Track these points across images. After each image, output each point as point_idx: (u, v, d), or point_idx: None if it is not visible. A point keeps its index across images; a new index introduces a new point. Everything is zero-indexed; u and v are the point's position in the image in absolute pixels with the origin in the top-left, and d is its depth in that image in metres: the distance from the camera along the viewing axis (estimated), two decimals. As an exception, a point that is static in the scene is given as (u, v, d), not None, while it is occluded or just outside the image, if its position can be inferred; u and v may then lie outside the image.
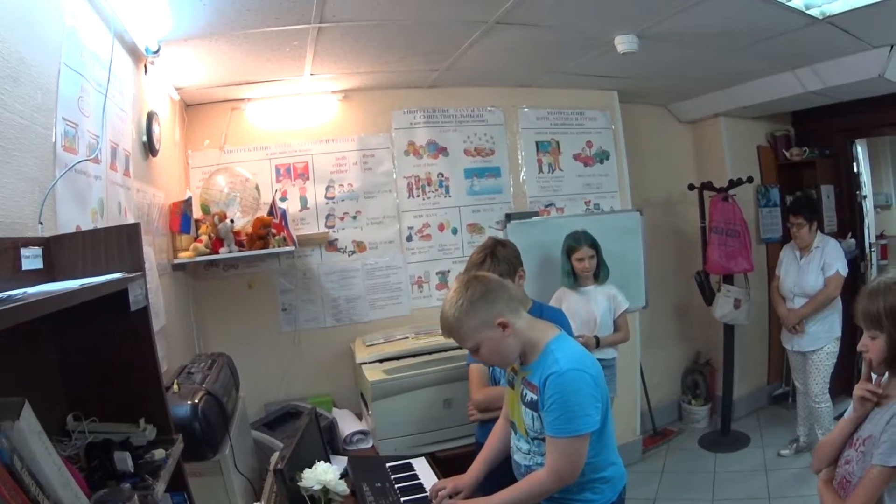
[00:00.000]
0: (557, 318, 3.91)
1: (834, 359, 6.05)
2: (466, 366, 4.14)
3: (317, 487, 2.94)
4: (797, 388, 6.43)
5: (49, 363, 2.10)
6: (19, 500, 1.26)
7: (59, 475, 1.43)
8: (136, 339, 2.15)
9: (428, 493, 3.27)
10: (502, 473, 3.15)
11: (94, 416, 2.07)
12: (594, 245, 5.07)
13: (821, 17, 4.56)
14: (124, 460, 1.90)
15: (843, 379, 7.06)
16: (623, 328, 5.16)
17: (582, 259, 5.02)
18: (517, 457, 3.02)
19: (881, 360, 2.61)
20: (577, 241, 5.07)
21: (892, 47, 5.38)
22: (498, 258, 3.92)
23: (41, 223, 2.19)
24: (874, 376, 2.71)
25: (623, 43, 4.70)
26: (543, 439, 2.82)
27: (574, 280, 5.13)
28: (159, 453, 2.05)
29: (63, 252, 2.09)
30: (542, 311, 3.92)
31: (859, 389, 2.66)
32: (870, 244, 7.95)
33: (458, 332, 2.85)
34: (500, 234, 5.83)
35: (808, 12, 4.46)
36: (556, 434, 2.71)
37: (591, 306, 5.08)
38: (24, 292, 1.49)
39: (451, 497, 3.12)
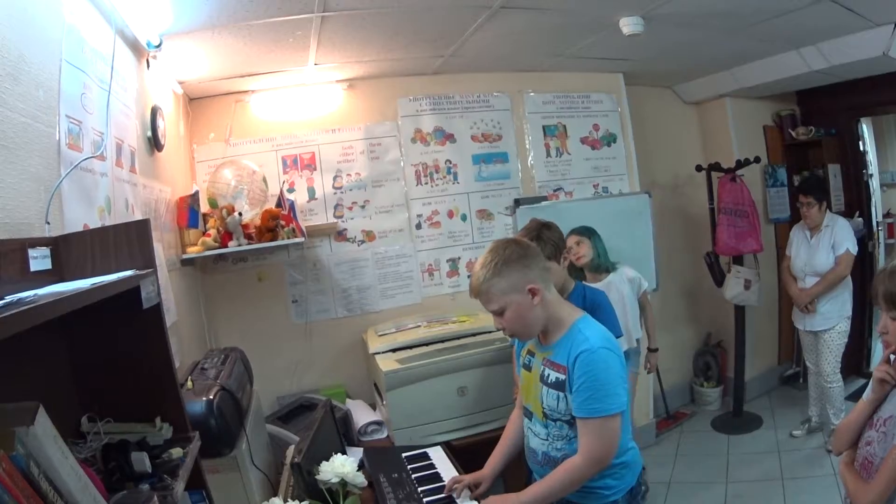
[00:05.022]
0: (601, 299, 3.93)
1: (845, 338, 6.06)
2: (510, 346, 4.23)
3: (335, 480, 2.93)
4: (809, 369, 6.44)
5: (60, 364, 2.08)
6: (37, 508, 1.24)
7: (76, 480, 1.41)
8: (150, 337, 2.13)
9: (445, 483, 3.25)
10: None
11: (108, 417, 2.05)
12: (582, 231, 5.00)
13: (824, -5, 4.53)
14: (142, 461, 1.87)
15: (854, 359, 7.09)
16: (647, 307, 5.26)
17: (570, 248, 4.77)
18: (533, 443, 2.98)
19: None
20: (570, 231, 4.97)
21: (895, 25, 5.34)
22: (544, 240, 3.83)
23: (48, 223, 2.17)
24: (892, 357, 2.67)
25: (628, 25, 4.68)
26: (567, 422, 2.78)
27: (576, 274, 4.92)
28: (177, 452, 2.03)
29: (72, 251, 2.06)
30: (585, 292, 3.93)
31: (879, 371, 2.64)
32: (877, 223, 7.95)
33: (486, 292, 2.78)
34: (509, 220, 5.83)
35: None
36: (588, 415, 2.67)
37: (614, 296, 4.85)
38: (36, 294, 1.46)
39: (470, 490, 3.13)
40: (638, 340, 5.23)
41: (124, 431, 2.03)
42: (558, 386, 2.77)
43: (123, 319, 2.04)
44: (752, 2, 4.61)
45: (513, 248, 2.82)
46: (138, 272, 1.96)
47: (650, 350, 5.49)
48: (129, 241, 2.11)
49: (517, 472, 3.19)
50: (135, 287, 1.89)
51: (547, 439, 2.88)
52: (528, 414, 3.02)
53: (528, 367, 3.03)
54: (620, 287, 4.98)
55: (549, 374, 2.83)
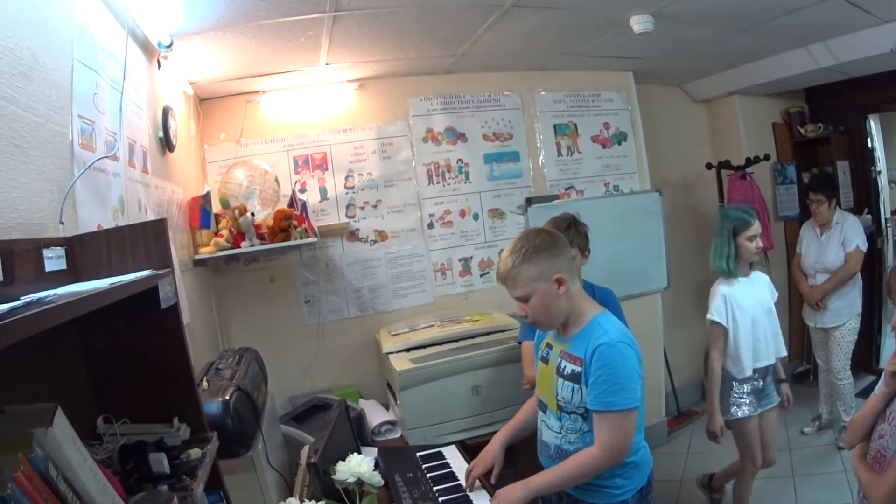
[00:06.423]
0: (610, 297, 3.97)
1: (855, 335, 6.09)
2: (518, 344, 4.26)
3: (351, 480, 2.92)
4: (819, 366, 6.45)
5: (76, 365, 2.07)
6: (57, 510, 1.23)
7: (95, 481, 1.40)
8: (167, 337, 2.12)
9: (460, 482, 3.27)
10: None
11: (124, 418, 2.04)
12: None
13: (832, -7, 4.52)
14: (160, 462, 1.86)
15: (864, 355, 7.08)
16: None
17: (754, 237, 4.45)
18: (546, 436, 3.02)
19: None
20: (749, 214, 4.51)
21: (902, 22, 5.34)
22: (578, 231, 3.94)
23: (62, 223, 2.16)
24: None
25: (639, 23, 4.68)
26: (581, 415, 2.82)
27: (736, 267, 4.51)
28: (195, 453, 2.02)
29: (87, 251, 2.06)
30: (595, 291, 3.94)
31: (891, 365, 2.67)
32: (885, 219, 7.93)
33: (513, 278, 2.83)
34: (521, 219, 5.83)
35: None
36: (604, 408, 2.69)
37: (762, 298, 4.56)
38: (55, 293, 1.45)
39: (486, 478, 3.19)
40: (768, 368, 4.57)
41: (141, 432, 2.02)
42: (574, 378, 2.81)
43: (140, 320, 2.03)
44: (763, -1, 4.60)
45: (543, 237, 2.88)
46: (156, 272, 1.95)
47: (784, 381, 4.74)
48: (146, 240, 2.10)
49: (533, 469, 3.18)
50: (152, 287, 1.88)
51: (560, 432, 2.92)
52: (543, 407, 3.06)
53: (545, 360, 3.06)
54: (760, 290, 4.60)
55: (565, 366, 2.86)
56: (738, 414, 4.46)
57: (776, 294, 4.68)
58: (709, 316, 4.55)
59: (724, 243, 4.53)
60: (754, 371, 4.45)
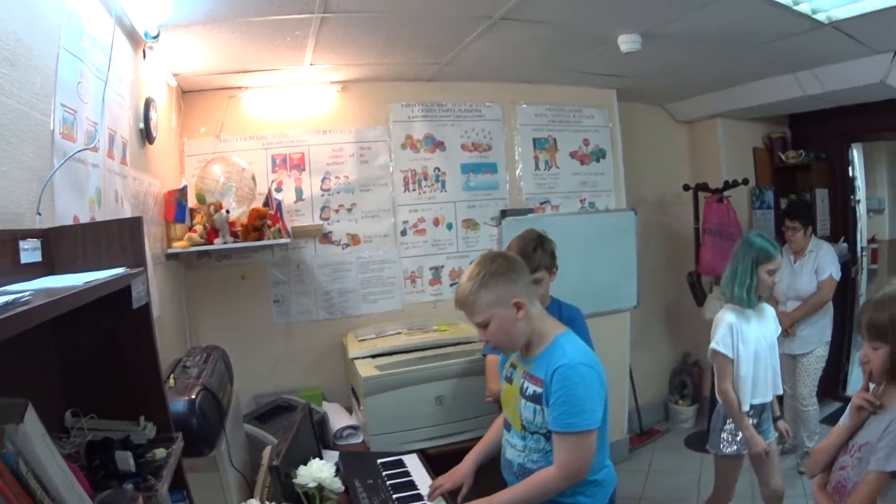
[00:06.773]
0: (577, 315, 3.97)
1: (823, 362, 6.12)
2: (482, 357, 4.24)
3: (312, 485, 2.91)
4: (784, 391, 6.42)
5: (45, 359, 2.05)
6: (25, 506, 1.23)
7: (63, 477, 1.40)
8: (137, 336, 2.11)
9: (420, 491, 3.28)
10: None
11: (92, 413, 2.03)
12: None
13: (826, 22, 4.55)
14: (126, 460, 1.86)
15: (831, 383, 7.14)
16: None
17: (773, 272, 4.28)
18: (509, 454, 3.02)
19: (883, 370, 2.64)
20: (774, 247, 4.29)
21: (895, 53, 5.39)
22: (545, 250, 3.89)
23: (39, 214, 2.15)
24: (871, 386, 2.72)
25: (626, 42, 4.69)
26: (544, 435, 2.82)
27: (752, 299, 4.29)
28: (160, 453, 2.02)
29: (62, 245, 2.05)
30: (562, 308, 3.96)
31: (857, 398, 2.70)
32: (861, 248, 7.98)
33: (471, 304, 2.83)
34: (494, 231, 5.84)
35: (814, 17, 4.45)
36: (564, 429, 2.70)
37: (767, 331, 4.37)
38: (30, 290, 1.44)
39: (452, 494, 3.20)
40: (765, 405, 4.37)
41: (108, 429, 2.01)
42: (535, 399, 2.82)
43: (111, 316, 2.02)
44: (755, 25, 4.62)
45: (500, 262, 2.87)
46: (129, 270, 1.94)
47: (780, 417, 4.55)
48: (121, 238, 2.09)
49: (495, 485, 3.19)
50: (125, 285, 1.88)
51: (524, 451, 2.92)
52: (507, 426, 3.07)
53: (509, 380, 3.07)
54: (766, 324, 4.39)
55: (527, 387, 2.87)
56: (727, 450, 4.38)
57: (780, 329, 4.54)
58: (713, 346, 4.28)
59: (745, 272, 4.27)
60: (751, 407, 4.27)
